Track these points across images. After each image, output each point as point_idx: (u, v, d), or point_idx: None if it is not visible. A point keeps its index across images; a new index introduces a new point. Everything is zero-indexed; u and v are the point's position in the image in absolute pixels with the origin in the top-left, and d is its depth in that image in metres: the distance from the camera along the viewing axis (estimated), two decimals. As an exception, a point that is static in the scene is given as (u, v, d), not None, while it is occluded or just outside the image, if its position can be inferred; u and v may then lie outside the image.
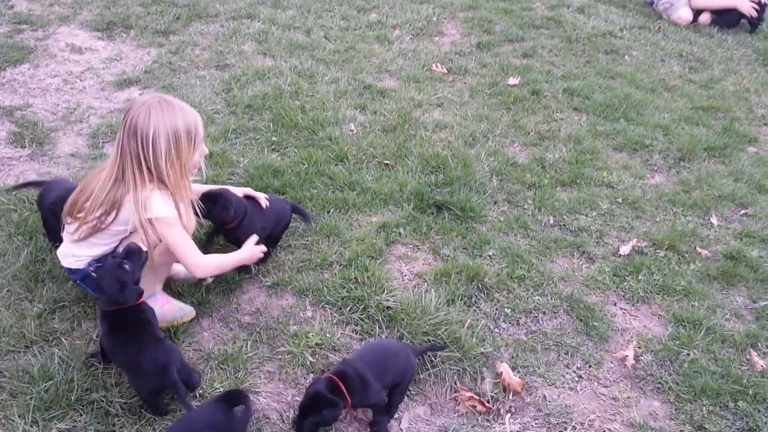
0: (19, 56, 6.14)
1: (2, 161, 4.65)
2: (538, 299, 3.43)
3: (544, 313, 3.36)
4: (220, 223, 3.34)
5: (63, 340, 3.06)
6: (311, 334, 3.14)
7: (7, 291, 3.31)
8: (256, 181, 4.19)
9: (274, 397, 2.88)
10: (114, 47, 6.51)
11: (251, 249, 3.23)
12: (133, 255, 2.83)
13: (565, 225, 4.01)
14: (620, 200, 4.24)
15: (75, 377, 2.84)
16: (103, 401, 2.77)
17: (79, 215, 2.94)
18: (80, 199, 2.95)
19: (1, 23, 6.64)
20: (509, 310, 3.36)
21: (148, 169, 2.82)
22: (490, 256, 3.70)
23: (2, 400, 2.76)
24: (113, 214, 2.89)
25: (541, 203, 4.17)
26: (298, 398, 2.87)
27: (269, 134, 4.87)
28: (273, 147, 4.74)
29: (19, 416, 2.68)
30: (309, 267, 3.57)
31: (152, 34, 6.61)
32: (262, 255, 3.30)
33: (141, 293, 2.79)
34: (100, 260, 3.04)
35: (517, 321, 3.32)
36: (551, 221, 4.05)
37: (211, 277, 3.41)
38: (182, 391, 2.59)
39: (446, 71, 6.07)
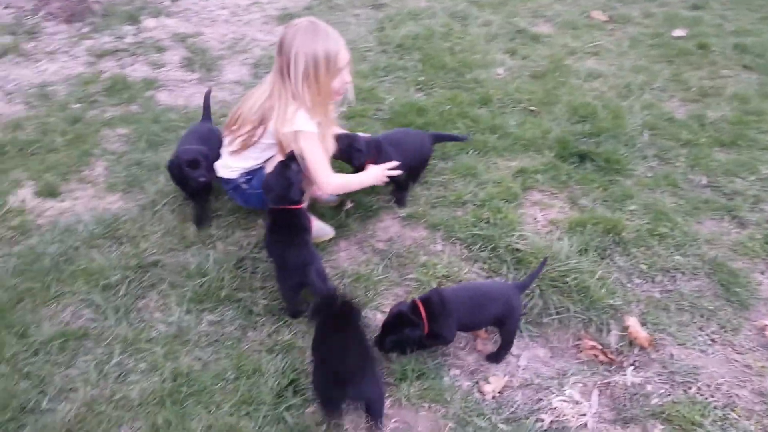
0: (196, -13, 6.58)
1: (175, 83, 5.08)
2: (678, 259, 3.29)
3: (682, 273, 3.22)
4: (353, 161, 3.44)
5: (218, 244, 3.37)
6: (439, 265, 3.23)
7: (174, 197, 3.67)
8: (399, 118, 4.29)
9: (399, 319, 3.01)
10: (279, -17, 6.80)
11: (376, 171, 3.34)
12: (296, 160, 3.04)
13: (718, 187, 3.77)
14: (785, 166, 3.92)
15: (225, 277, 3.14)
16: (248, 301, 3.05)
17: (234, 128, 3.18)
18: (237, 114, 3.20)
19: (181, -44, 7.09)
20: (645, 266, 3.26)
21: (291, 86, 3.00)
22: (631, 210, 3.58)
23: (163, 289, 3.11)
24: (261, 129, 3.10)
25: (695, 162, 3.94)
26: (421, 323, 2.99)
27: (416, 74, 4.94)
28: (419, 86, 4.80)
29: (176, 304, 3.02)
30: (443, 204, 3.64)
31: (315, -29, 6.81)
32: (386, 178, 3.37)
33: (303, 194, 3.02)
34: (250, 173, 3.28)
35: (653, 278, 3.21)
36: (704, 182, 3.82)
37: (351, 202, 3.58)
38: (318, 286, 2.77)
39: (606, 19, 5.80)
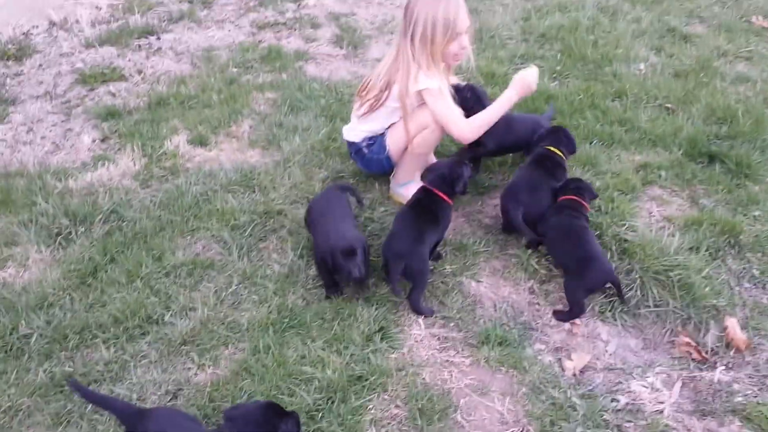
0: (356, -30, 6.92)
1: (323, 57, 5.45)
2: (796, 270, 3.13)
3: (799, 284, 3.07)
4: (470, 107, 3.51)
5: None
6: (542, 247, 3.29)
7: (304, 156, 3.99)
8: (527, 103, 4.33)
9: (493, 289, 3.12)
10: (434, -29, 6.97)
11: (517, 83, 3.34)
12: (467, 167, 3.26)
13: None
14: None
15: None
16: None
17: (363, 93, 3.43)
18: (367, 80, 3.44)
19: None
20: (758, 272, 3.13)
21: (411, 47, 3.18)
22: (755, 216, 3.43)
23: (282, 235, 3.43)
24: (387, 92, 3.32)
25: (839, 177, 3.69)
26: (514, 295, 3.10)
27: (554, 63, 4.95)
28: (554, 75, 4.82)
29: (291, 249, 3.33)
30: (556, 190, 3.67)
31: (474, -42, 6.92)
32: (533, 84, 3.38)
33: (462, 192, 3.24)
34: (372, 138, 3.52)
35: (764, 285, 3.09)
36: (842, 196, 3.57)
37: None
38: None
39: (767, 25, 5.46)
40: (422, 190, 3.20)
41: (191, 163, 4.03)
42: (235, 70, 5.15)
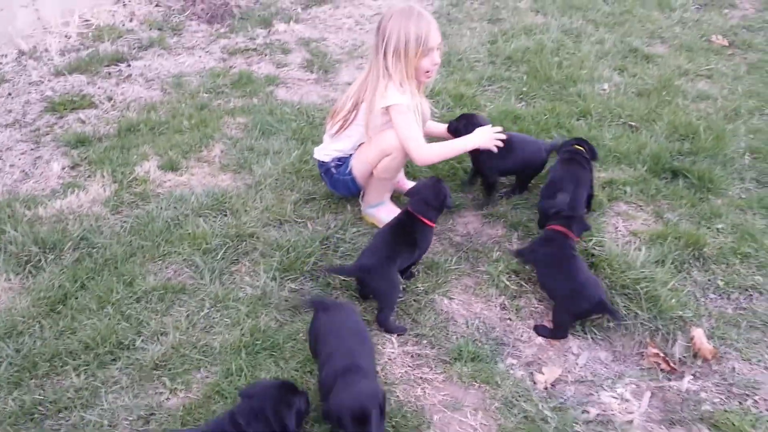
0: (326, -3, 7.05)
1: (293, 81, 5.49)
2: (759, 279, 3.21)
3: (761, 293, 3.15)
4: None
5: (308, 223, 3.66)
6: (512, 262, 3.33)
7: (276, 179, 4.01)
8: (495, 123, 4.40)
9: (464, 306, 3.16)
10: (403, -4, 7.12)
11: (483, 134, 3.43)
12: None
13: (815, 214, 3.63)
14: None
15: (312, 252, 3.40)
16: (327, 275, 3.30)
17: (335, 113, 3.48)
18: (339, 102, 3.49)
19: (314, -32, 7.61)
20: (722, 282, 3.21)
21: (384, 66, 3.25)
22: (718, 229, 3.52)
23: (254, 258, 3.43)
24: (355, 111, 3.39)
25: (796, 188, 3.81)
26: (486, 311, 3.13)
27: (520, 84, 5.06)
28: (521, 96, 4.92)
29: (264, 271, 3.32)
30: (525, 205, 3.74)
31: (439, -12, 7.08)
32: (495, 142, 3.43)
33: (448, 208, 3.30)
34: (341, 159, 3.56)
35: (728, 295, 3.16)
36: (801, 207, 3.69)
37: None
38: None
39: (726, 44, 5.66)
40: (405, 213, 3.23)
41: (162, 189, 4.03)
42: (205, 95, 5.17)
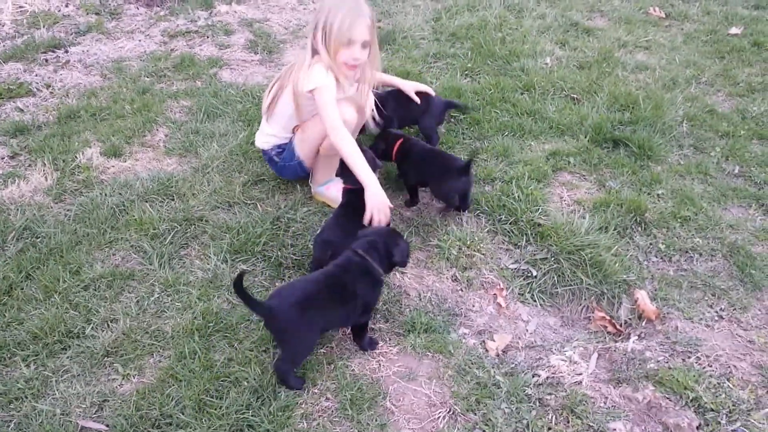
0: (266, -23, 6.94)
1: (237, 63, 5.42)
2: (698, 241, 3.34)
3: (700, 254, 3.28)
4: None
5: (258, 205, 3.63)
6: (461, 235, 3.38)
7: (224, 162, 3.96)
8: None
9: (417, 279, 3.19)
10: (346, -25, 7.06)
11: (379, 202, 3.08)
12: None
13: (750, 176, 3.78)
14: (823, 159, 3.87)
15: (262, 233, 3.39)
16: (279, 255, 3.29)
17: (267, 94, 3.50)
18: (271, 82, 3.49)
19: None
20: (663, 246, 3.32)
21: (313, 41, 3.25)
22: (658, 194, 3.64)
23: (204, 241, 3.39)
24: (280, 91, 3.44)
25: (730, 153, 3.96)
26: (437, 284, 3.17)
27: (465, 61, 5.09)
28: (466, 72, 4.96)
29: (214, 254, 3.29)
30: (474, 179, 3.78)
31: (384, -35, 7.03)
32: (388, 211, 3.11)
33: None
34: (281, 146, 3.57)
35: (670, 258, 3.28)
36: (736, 171, 3.83)
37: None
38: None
39: (664, 16, 5.80)
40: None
41: (106, 175, 3.94)
42: (147, 79, 5.06)
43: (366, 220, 3.06)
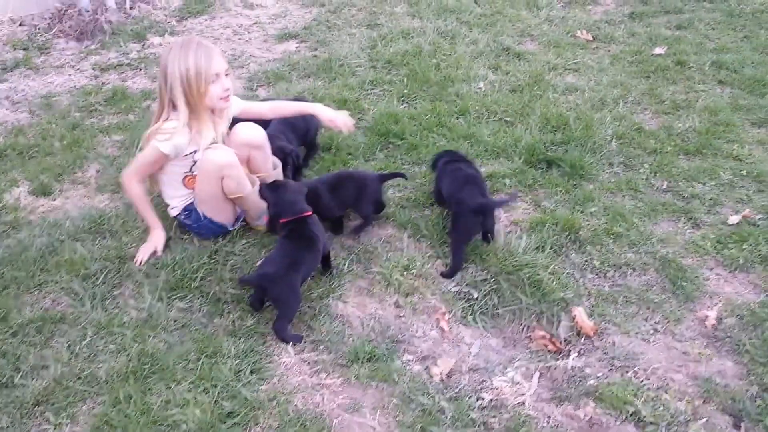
0: (201, 9, 6.94)
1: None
2: (631, 256, 3.42)
3: (633, 269, 3.36)
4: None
5: (194, 239, 3.56)
6: (403, 260, 3.38)
7: (158, 196, 3.84)
8: (379, 125, 4.49)
9: (359, 307, 3.17)
10: (281, 5, 7.11)
11: (155, 238, 3.50)
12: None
13: (678, 191, 3.90)
14: (744, 173, 4.02)
15: (199, 268, 3.32)
16: (217, 290, 3.23)
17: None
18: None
19: (190, -20, 7.43)
20: (598, 262, 3.39)
21: (170, 100, 3.22)
22: (591, 212, 3.72)
23: (138, 279, 3.30)
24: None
25: (658, 168, 4.09)
26: (380, 311, 3.16)
27: (402, 87, 5.15)
28: (403, 98, 5.01)
29: (149, 293, 3.21)
30: (413, 205, 3.81)
31: (318, -5, 7.09)
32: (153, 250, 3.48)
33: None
34: (186, 208, 3.50)
35: (605, 274, 3.35)
36: (664, 186, 3.96)
37: None
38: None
39: (591, 38, 5.99)
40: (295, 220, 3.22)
41: (34, 215, 3.81)
42: (77, 114, 4.93)
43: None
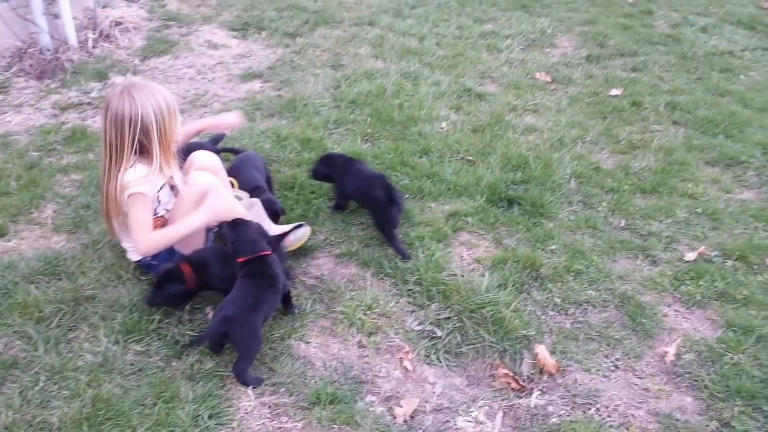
0: (164, 48, 6.91)
1: (132, 135, 5.27)
2: (591, 293, 3.46)
3: (594, 306, 3.40)
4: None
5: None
6: (366, 299, 3.37)
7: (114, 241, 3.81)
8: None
9: (322, 348, 3.13)
10: (245, 45, 7.15)
11: (209, 207, 3.33)
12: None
13: (636, 229, 3.99)
14: (700, 210, 4.14)
15: (157, 310, 3.25)
16: (176, 332, 3.16)
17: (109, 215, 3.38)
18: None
19: (153, 19, 7.46)
20: (559, 299, 3.43)
21: (135, 146, 3.15)
22: (552, 250, 3.77)
23: (94, 322, 3.22)
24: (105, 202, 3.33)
25: (616, 207, 4.18)
26: (343, 351, 3.12)
27: (365, 127, 5.19)
28: (366, 138, 5.05)
29: (104, 336, 3.12)
30: (376, 243, 3.81)
31: (281, 36, 7.18)
32: (224, 213, 3.34)
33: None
34: (155, 257, 3.43)
35: (566, 311, 3.38)
36: (622, 224, 4.04)
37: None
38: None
39: (549, 80, 6.15)
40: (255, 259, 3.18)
41: (-13, 257, 3.70)
42: (35, 154, 4.85)
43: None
